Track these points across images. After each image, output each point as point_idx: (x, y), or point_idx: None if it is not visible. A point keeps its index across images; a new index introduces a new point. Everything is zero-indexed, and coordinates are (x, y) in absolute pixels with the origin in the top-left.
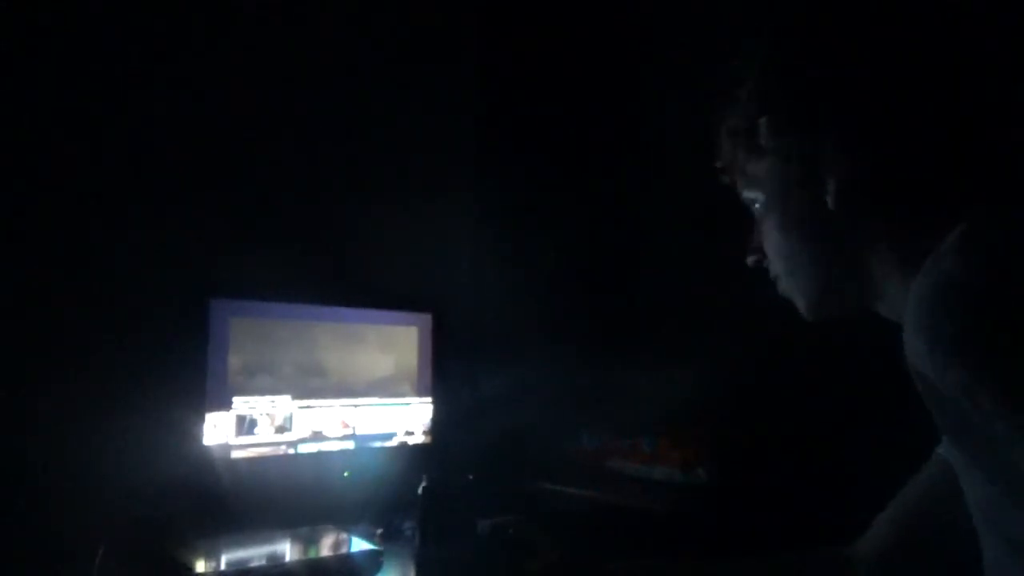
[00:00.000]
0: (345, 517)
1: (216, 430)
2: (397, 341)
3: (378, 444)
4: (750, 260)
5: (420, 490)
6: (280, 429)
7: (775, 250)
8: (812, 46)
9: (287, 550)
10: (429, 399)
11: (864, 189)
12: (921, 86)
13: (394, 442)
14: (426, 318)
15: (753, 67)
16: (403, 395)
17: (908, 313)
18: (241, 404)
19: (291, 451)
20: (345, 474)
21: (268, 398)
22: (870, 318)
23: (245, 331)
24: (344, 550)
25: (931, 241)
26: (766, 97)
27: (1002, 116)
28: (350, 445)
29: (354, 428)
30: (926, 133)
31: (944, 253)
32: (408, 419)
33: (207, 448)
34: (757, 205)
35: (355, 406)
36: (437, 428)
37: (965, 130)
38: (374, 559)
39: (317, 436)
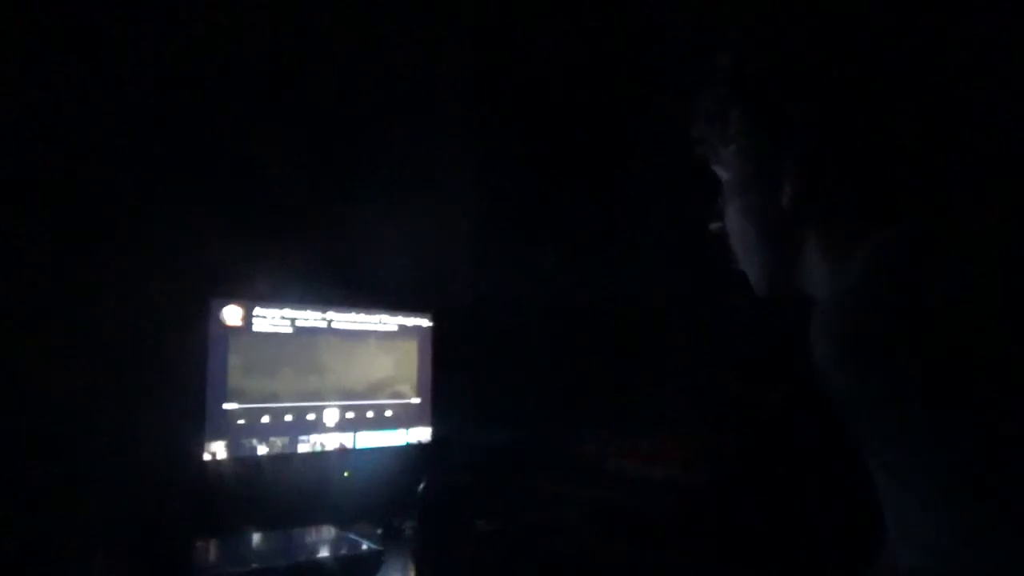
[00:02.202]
0: (345, 517)
1: (215, 430)
2: (397, 341)
3: (378, 444)
4: (713, 227)
5: (420, 490)
6: (280, 429)
7: (733, 230)
8: (782, 54)
9: (287, 550)
10: (429, 399)
11: (815, 192)
12: (881, 102)
13: (394, 442)
14: (426, 318)
15: (731, 55)
16: (403, 395)
17: (815, 312)
18: (241, 404)
19: (291, 451)
20: (345, 474)
21: (267, 398)
22: None
23: (245, 332)
24: (344, 550)
25: (857, 243)
26: (738, 91)
27: (951, 133)
28: (350, 445)
29: (355, 428)
30: (878, 147)
31: (851, 266)
32: (408, 420)
33: (207, 448)
34: (724, 180)
35: (355, 406)
36: (437, 428)
37: (914, 146)
38: (374, 559)
39: (317, 436)
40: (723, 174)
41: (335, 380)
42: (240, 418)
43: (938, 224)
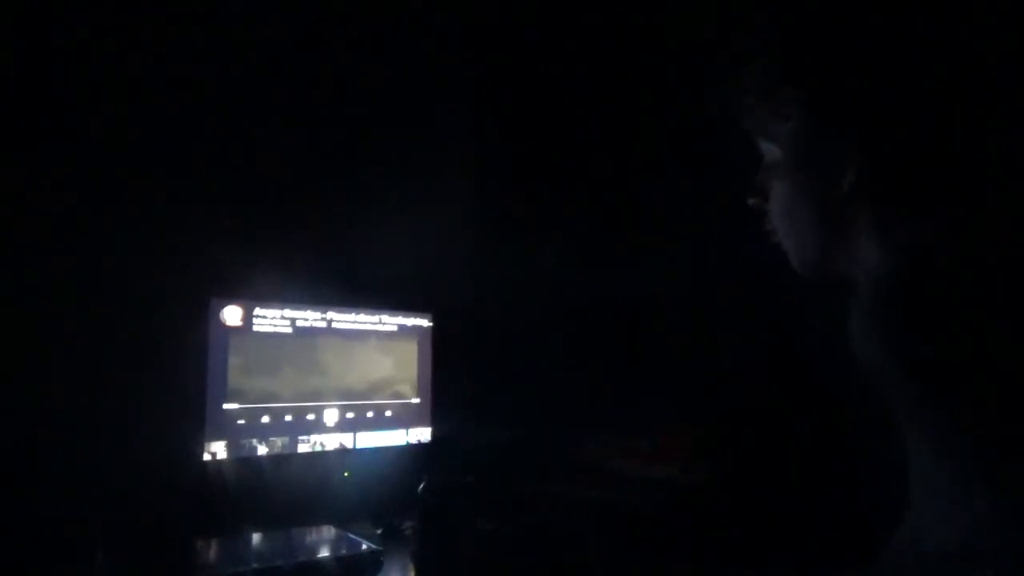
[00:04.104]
0: (345, 517)
1: (215, 430)
2: (397, 342)
3: (378, 444)
4: (751, 202)
5: (420, 490)
6: (280, 429)
7: (780, 208)
8: (841, 31)
9: (287, 550)
10: (429, 399)
11: (876, 175)
12: (943, 86)
13: (394, 442)
14: (426, 318)
15: (780, 31)
16: (403, 395)
17: (858, 292)
18: (241, 404)
19: (291, 451)
20: (345, 474)
21: (267, 398)
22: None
23: (245, 332)
24: (344, 550)
25: (907, 227)
26: (795, 69)
27: (993, 128)
28: (350, 445)
29: (355, 428)
30: (940, 134)
31: (896, 249)
32: (408, 420)
33: (207, 448)
34: (769, 158)
35: (355, 406)
36: (437, 428)
37: (974, 135)
38: (374, 559)
39: (317, 436)
40: (773, 151)
41: (335, 380)
42: (240, 418)
43: (979, 216)
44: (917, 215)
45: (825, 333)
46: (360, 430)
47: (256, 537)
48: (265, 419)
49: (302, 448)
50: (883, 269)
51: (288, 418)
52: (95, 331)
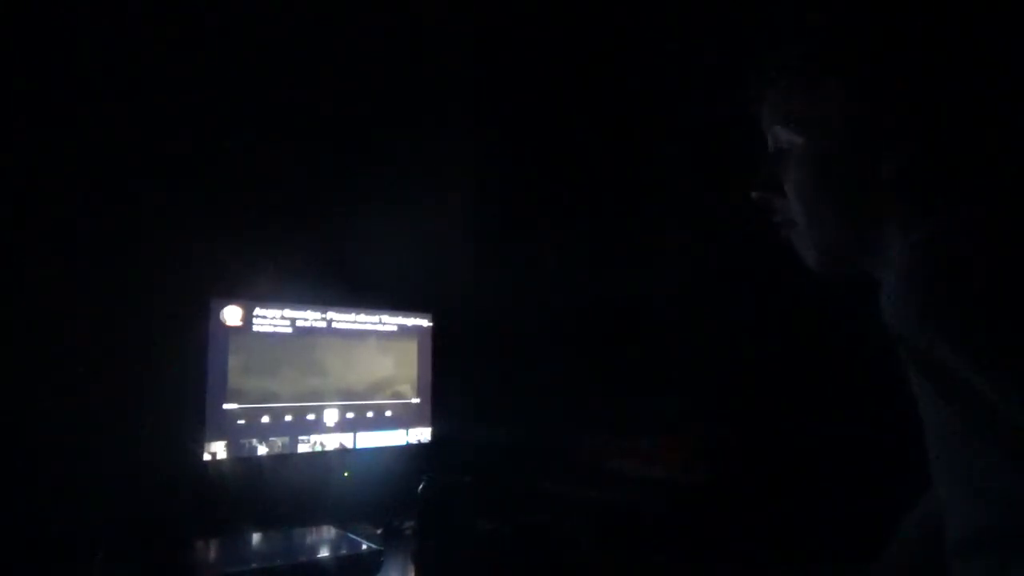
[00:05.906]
0: (345, 517)
1: (215, 430)
2: (397, 342)
3: (378, 444)
4: (755, 195)
5: (420, 490)
6: (280, 429)
7: (802, 197)
8: (892, 17)
9: (287, 550)
10: (429, 399)
11: (914, 166)
12: (982, 77)
13: (394, 442)
14: (426, 318)
15: (824, 15)
16: (403, 395)
17: (899, 280)
18: (241, 404)
19: (291, 451)
20: (345, 474)
21: (267, 398)
22: (870, 321)
23: (245, 332)
24: (344, 550)
25: (937, 222)
26: (840, 55)
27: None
28: (350, 445)
29: (355, 428)
30: (975, 121)
31: (941, 239)
32: (408, 420)
33: (207, 448)
34: (789, 147)
35: (355, 406)
36: (437, 428)
37: (998, 123)
38: (374, 559)
39: (317, 436)
40: (794, 139)
41: (335, 380)
42: (240, 418)
43: (1006, 211)
44: (950, 210)
45: (826, 330)
46: (360, 430)
47: (256, 537)
48: (265, 419)
49: (302, 448)
50: (919, 251)
51: (288, 418)
52: (95, 331)
